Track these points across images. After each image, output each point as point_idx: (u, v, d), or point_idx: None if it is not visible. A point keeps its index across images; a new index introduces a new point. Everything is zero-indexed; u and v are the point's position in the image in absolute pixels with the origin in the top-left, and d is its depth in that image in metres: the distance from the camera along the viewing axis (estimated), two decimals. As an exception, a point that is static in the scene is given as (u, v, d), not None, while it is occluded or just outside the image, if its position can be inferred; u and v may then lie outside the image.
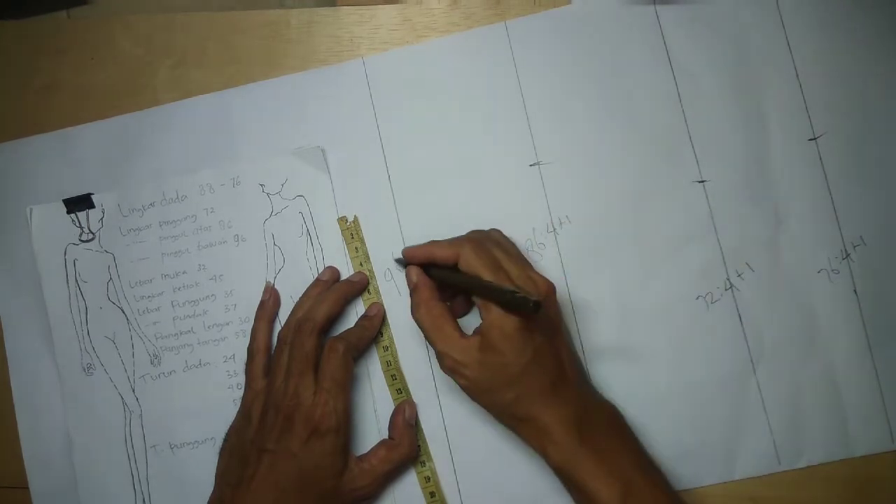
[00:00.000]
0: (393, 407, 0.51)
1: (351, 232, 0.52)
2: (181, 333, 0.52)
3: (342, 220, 0.52)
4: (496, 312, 0.44)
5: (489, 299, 0.44)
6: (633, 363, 0.50)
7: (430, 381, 0.51)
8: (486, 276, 0.45)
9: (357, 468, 0.48)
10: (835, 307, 0.50)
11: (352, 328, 0.51)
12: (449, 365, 0.46)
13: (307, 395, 0.47)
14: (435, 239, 0.49)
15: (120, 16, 0.55)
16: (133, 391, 0.52)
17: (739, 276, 0.50)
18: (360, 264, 0.52)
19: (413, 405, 0.51)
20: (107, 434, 0.52)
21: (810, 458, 0.49)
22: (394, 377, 0.51)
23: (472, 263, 0.45)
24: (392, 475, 0.49)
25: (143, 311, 0.53)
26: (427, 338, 0.47)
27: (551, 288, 0.46)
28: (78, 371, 0.52)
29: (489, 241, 0.47)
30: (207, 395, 0.52)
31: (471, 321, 0.50)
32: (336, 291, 0.50)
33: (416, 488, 0.50)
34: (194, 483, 0.51)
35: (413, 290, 0.48)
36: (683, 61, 0.51)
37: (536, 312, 0.41)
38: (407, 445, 0.49)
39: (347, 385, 0.48)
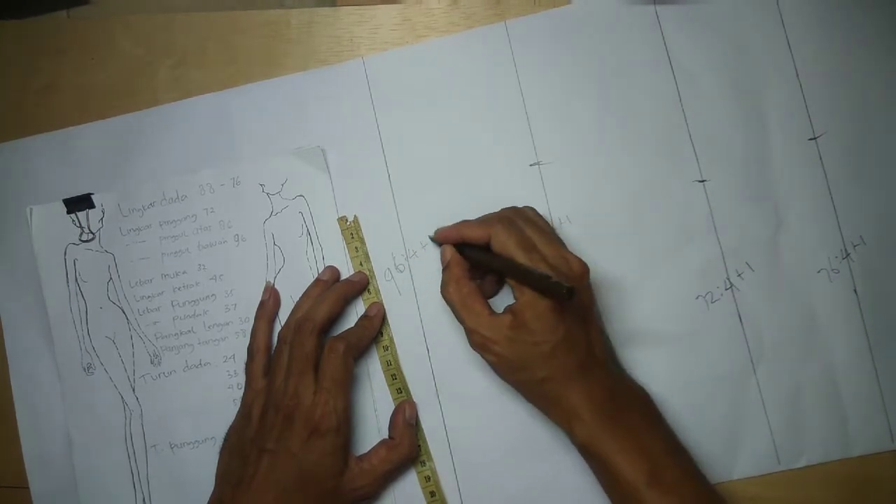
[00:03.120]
0: (393, 406, 0.51)
1: (351, 232, 0.52)
2: (181, 333, 0.52)
3: (342, 219, 0.52)
4: (529, 293, 0.44)
5: (522, 282, 0.44)
6: (633, 363, 0.50)
7: (430, 381, 0.51)
8: (519, 257, 0.44)
9: (357, 468, 0.48)
10: (835, 307, 0.50)
11: (352, 328, 0.50)
12: (478, 341, 0.46)
13: (307, 394, 0.47)
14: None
15: (120, 16, 0.55)
16: (133, 391, 0.52)
17: (739, 275, 0.50)
18: (360, 264, 0.52)
19: (413, 405, 0.50)
20: (107, 434, 0.52)
21: (810, 458, 0.49)
22: (394, 377, 0.51)
23: (505, 244, 0.45)
24: (392, 475, 0.49)
25: (144, 311, 0.53)
26: (456, 315, 0.47)
27: (585, 269, 0.45)
28: (78, 371, 0.52)
29: (522, 219, 0.47)
30: (207, 395, 0.52)
31: (500, 301, 0.50)
32: (336, 291, 0.50)
33: (417, 488, 0.50)
34: (194, 483, 0.51)
35: (444, 269, 0.48)
36: (683, 61, 0.51)
37: (570, 299, 0.41)
38: (407, 445, 0.49)
39: (347, 385, 0.48)
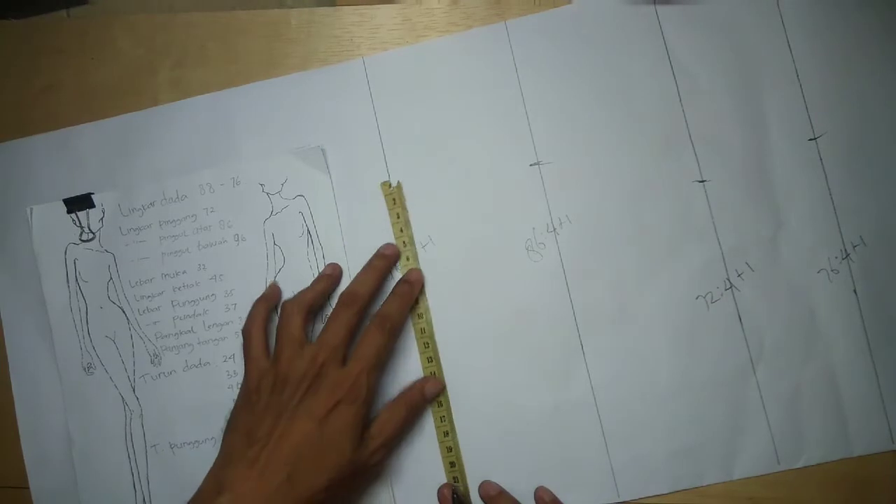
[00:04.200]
0: (422, 375, 0.51)
1: (394, 197, 0.52)
2: (181, 333, 0.52)
3: (385, 185, 0.52)
4: None
5: None
6: (633, 363, 0.50)
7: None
8: None
9: (367, 436, 0.47)
10: (835, 307, 0.50)
11: (393, 298, 0.50)
12: None
13: (335, 365, 0.47)
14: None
15: (120, 16, 0.55)
16: (133, 391, 0.52)
17: (739, 276, 0.50)
18: (401, 230, 0.52)
19: (438, 384, 0.50)
20: (107, 434, 0.52)
21: (809, 458, 0.49)
22: (426, 345, 0.51)
23: None
24: (398, 438, 0.49)
25: (144, 311, 0.53)
26: None
27: None
28: (78, 371, 0.53)
29: None
30: (207, 395, 0.52)
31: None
32: (377, 269, 0.50)
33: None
34: (194, 483, 0.50)
35: None
36: (683, 61, 0.51)
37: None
38: (405, 407, 0.49)
39: (385, 363, 0.49)
